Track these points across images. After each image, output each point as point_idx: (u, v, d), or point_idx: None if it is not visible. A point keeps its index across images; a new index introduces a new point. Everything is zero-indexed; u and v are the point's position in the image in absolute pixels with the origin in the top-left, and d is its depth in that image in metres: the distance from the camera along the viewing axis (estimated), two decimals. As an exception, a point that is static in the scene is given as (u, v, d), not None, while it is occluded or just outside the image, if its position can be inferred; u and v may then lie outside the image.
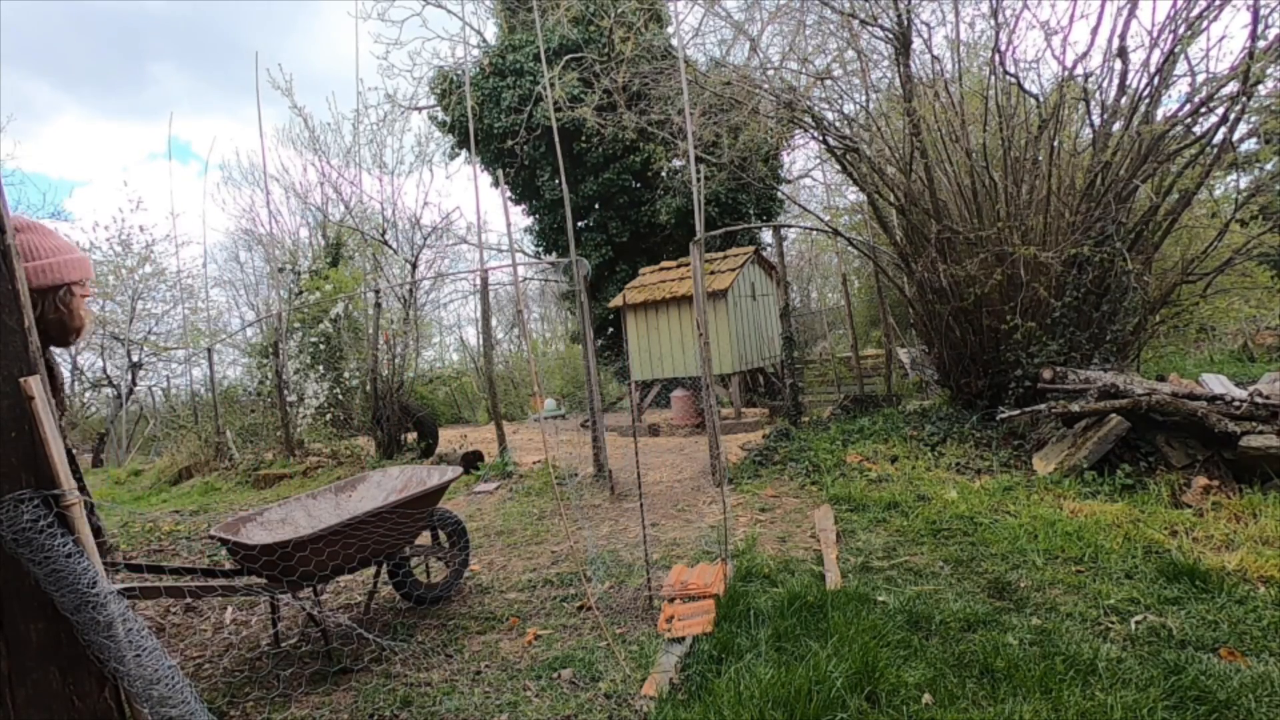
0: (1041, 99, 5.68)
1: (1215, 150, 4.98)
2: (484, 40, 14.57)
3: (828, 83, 6.89)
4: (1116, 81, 5.41)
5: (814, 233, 15.72)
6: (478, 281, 8.60)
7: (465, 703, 2.30)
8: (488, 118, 12.87)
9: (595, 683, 2.37)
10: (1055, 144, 5.57)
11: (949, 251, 5.91)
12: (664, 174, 12.71)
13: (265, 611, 3.49)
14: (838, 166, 7.60)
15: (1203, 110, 5.08)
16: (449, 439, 9.90)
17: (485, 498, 5.79)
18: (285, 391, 8.97)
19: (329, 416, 8.91)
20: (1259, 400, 4.13)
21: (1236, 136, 5.04)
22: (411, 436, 8.72)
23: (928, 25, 6.16)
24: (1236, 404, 4.16)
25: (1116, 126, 5.35)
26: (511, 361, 16.40)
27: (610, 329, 14.01)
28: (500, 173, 12.43)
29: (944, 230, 5.85)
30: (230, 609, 3.54)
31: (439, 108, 13.70)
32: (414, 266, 9.95)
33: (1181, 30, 4.93)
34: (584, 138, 11.86)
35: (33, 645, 1.59)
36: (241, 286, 18.71)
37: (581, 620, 2.94)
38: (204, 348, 11.38)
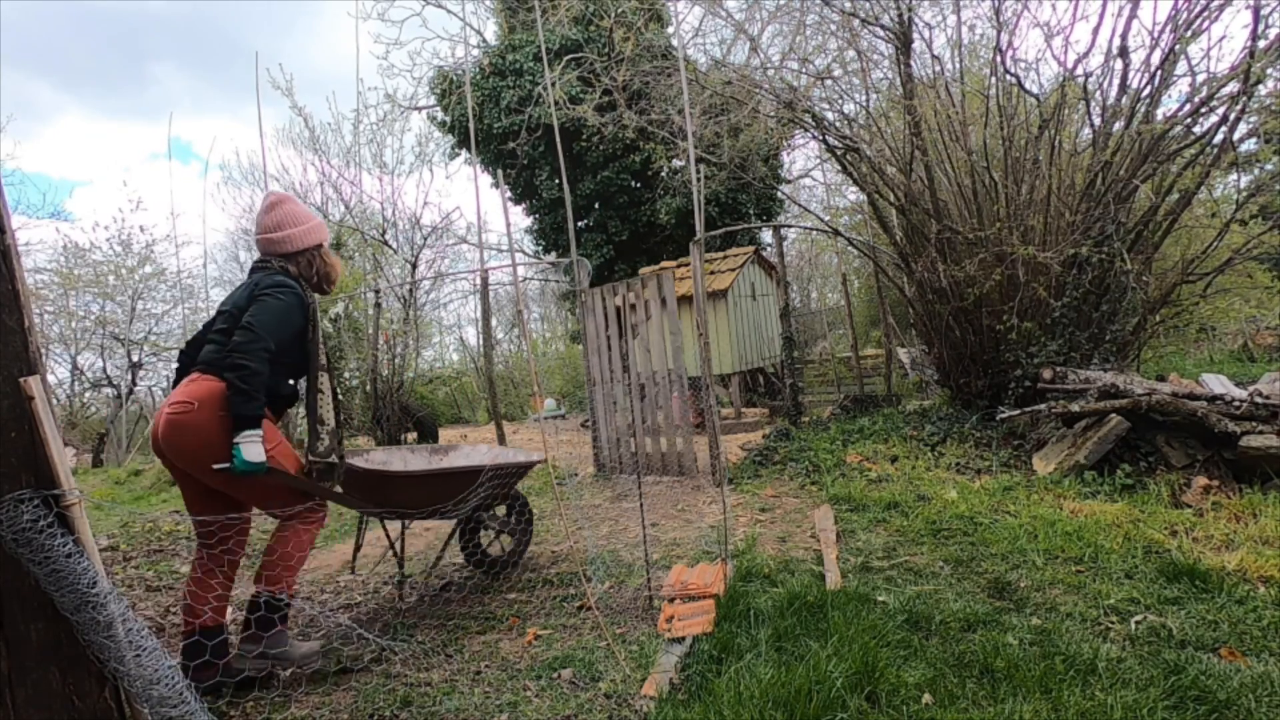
0: (1042, 99, 5.69)
1: (1215, 150, 4.97)
2: (484, 40, 14.57)
3: (828, 83, 6.89)
4: (1117, 81, 5.41)
5: (814, 233, 15.73)
6: (478, 281, 8.61)
7: (465, 703, 2.30)
8: (488, 118, 12.87)
9: (595, 683, 2.37)
10: (1055, 144, 5.57)
11: (949, 251, 5.91)
12: (664, 174, 12.71)
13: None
14: (838, 166, 7.60)
15: (1203, 110, 5.08)
16: (449, 439, 9.90)
17: (485, 498, 5.78)
18: (285, 391, 8.96)
19: (329, 416, 8.90)
20: (1259, 400, 4.13)
21: (1236, 136, 5.04)
22: (411, 437, 8.73)
23: (928, 25, 6.18)
24: (1236, 404, 4.16)
25: (1117, 126, 5.35)
26: (511, 361, 16.40)
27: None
28: (500, 173, 12.42)
29: (944, 230, 5.85)
30: (230, 609, 3.54)
31: (439, 108, 13.70)
32: (414, 266, 9.95)
33: (1182, 30, 4.93)
34: (584, 137, 11.86)
35: (33, 645, 1.59)
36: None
37: (581, 620, 2.94)
38: (204, 348, 11.36)
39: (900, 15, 5.83)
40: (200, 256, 29.66)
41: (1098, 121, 5.47)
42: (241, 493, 2.49)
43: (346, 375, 8.96)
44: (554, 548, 4.10)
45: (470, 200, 48.75)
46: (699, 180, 6.07)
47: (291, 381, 2.75)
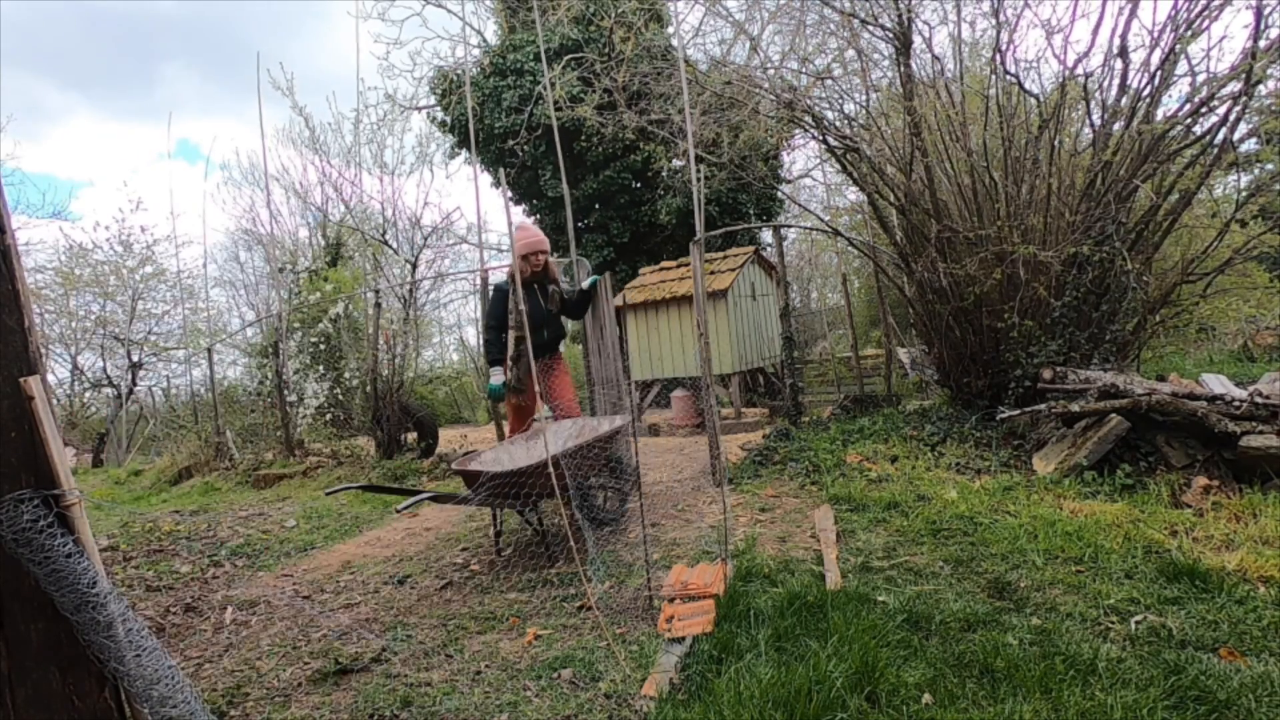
0: (1042, 99, 5.68)
1: (1215, 150, 4.97)
2: (484, 40, 14.57)
3: (828, 82, 6.89)
4: (1117, 81, 5.40)
5: (814, 233, 15.73)
6: (478, 281, 8.60)
7: (465, 703, 2.30)
8: (488, 117, 12.87)
9: (595, 683, 2.37)
10: (1055, 144, 5.56)
11: (949, 251, 5.91)
12: (664, 174, 12.71)
13: (264, 612, 3.49)
14: (838, 166, 7.59)
15: (1203, 110, 5.07)
16: (449, 439, 9.90)
17: (485, 498, 5.78)
18: (285, 391, 8.97)
19: (329, 416, 8.91)
20: (1259, 400, 4.13)
21: (1237, 136, 5.03)
22: (412, 436, 8.72)
23: (928, 25, 6.17)
24: (1236, 404, 4.15)
25: (1117, 126, 5.35)
26: (511, 361, 16.36)
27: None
28: (501, 172, 12.42)
29: (944, 230, 5.85)
30: (230, 609, 3.55)
31: (439, 107, 13.70)
32: (414, 266, 9.95)
33: (1182, 30, 4.93)
34: (584, 137, 11.86)
35: (33, 645, 1.59)
36: (241, 286, 18.69)
37: (581, 620, 2.94)
38: (204, 348, 11.38)
39: (900, 15, 5.83)
40: (200, 256, 29.66)
41: (1098, 121, 5.46)
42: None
43: (346, 375, 8.96)
44: (554, 547, 4.10)
45: (470, 200, 48.74)
46: (699, 180, 6.07)
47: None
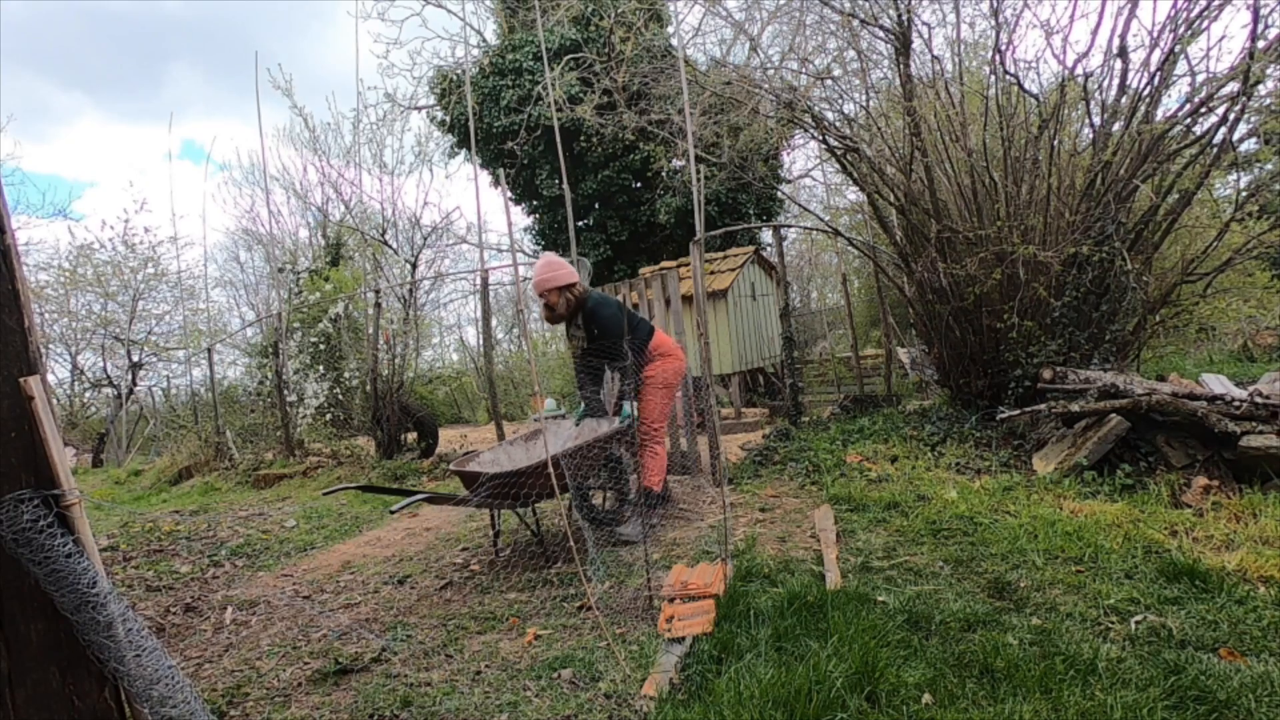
0: (1041, 99, 5.68)
1: (1215, 150, 4.97)
2: (483, 40, 14.57)
3: (828, 83, 6.89)
4: (1116, 81, 5.40)
5: (814, 233, 15.73)
6: (478, 281, 8.60)
7: (465, 703, 2.30)
8: (487, 117, 12.87)
9: (595, 683, 2.37)
10: (1055, 144, 5.56)
11: (949, 251, 5.91)
12: (664, 174, 12.72)
13: (264, 612, 3.49)
14: (838, 166, 7.60)
15: (1203, 110, 5.07)
16: (449, 439, 9.90)
17: (485, 498, 5.78)
18: (285, 391, 8.97)
19: (329, 416, 8.91)
20: (1259, 400, 4.13)
21: (1236, 136, 5.03)
22: (412, 436, 8.72)
23: (928, 25, 6.16)
24: (1236, 404, 4.15)
25: (1116, 126, 5.35)
26: (511, 361, 16.40)
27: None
28: (500, 172, 12.43)
29: (944, 230, 5.85)
30: (230, 609, 3.55)
31: (439, 107, 13.70)
32: (414, 266, 9.95)
33: (1181, 30, 4.93)
34: (584, 137, 11.87)
35: (33, 645, 1.59)
36: (241, 286, 18.71)
37: (581, 620, 2.94)
38: (204, 348, 11.38)
39: (900, 15, 5.83)
40: (201, 257, 29.65)
41: (1097, 121, 5.46)
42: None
43: (346, 375, 8.96)
44: (554, 547, 4.10)
45: (470, 200, 48.75)
46: (699, 180, 6.07)
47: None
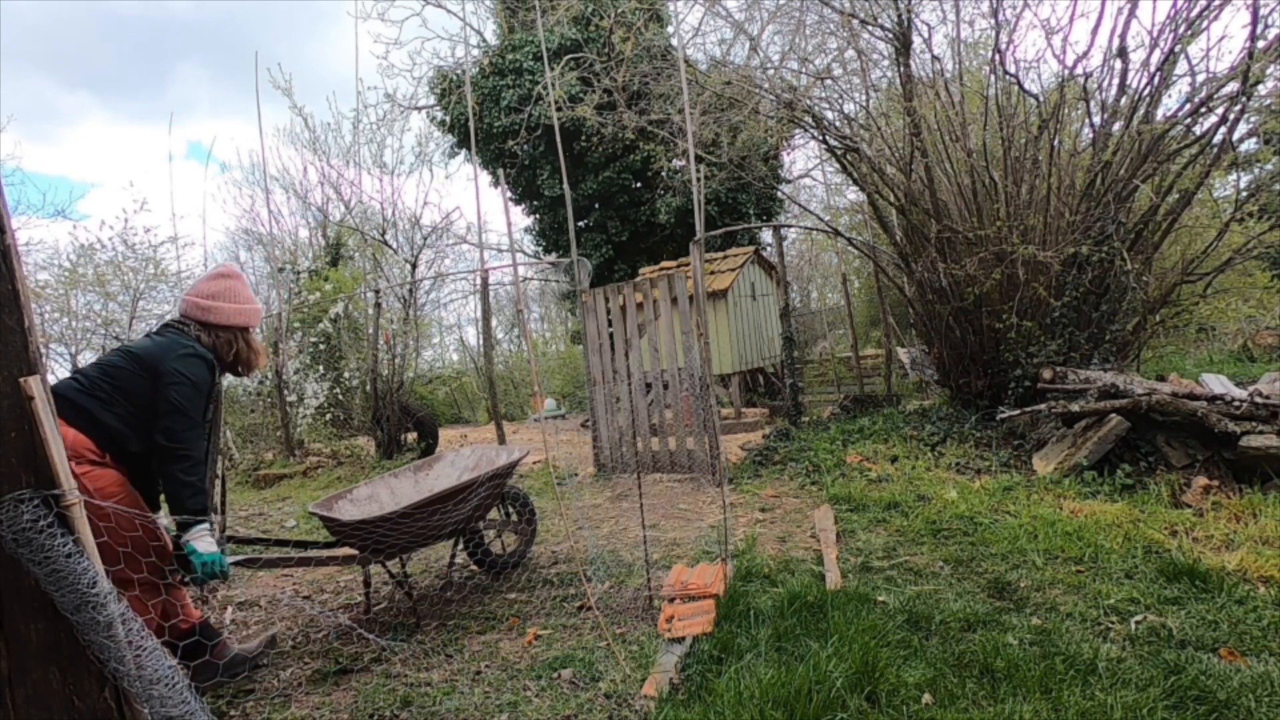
0: (1041, 99, 5.68)
1: (1215, 150, 4.97)
2: (483, 40, 14.57)
3: (828, 82, 6.89)
4: (1116, 81, 5.41)
5: (814, 233, 15.73)
6: (478, 281, 8.60)
7: (465, 703, 2.30)
8: (487, 117, 12.87)
9: (595, 683, 2.37)
10: (1055, 144, 5.56)
11: (949, 251, 5.91)
12: (664, 173, 12.72)
13: (264, 613, 3.49)
14: (838, 166, 7.60)
15: (1203, 110, 5.07)
16: (449, 439, 9.90)
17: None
18: (285, 391, 8.97)
19: (329, 416, 8.91)
20: (1259, 400, 4.13)
21: (1236, 136, 5.03)
22: (411, 436, 8.72)
23: (928, 25, 6.17)
24: (1236, 404, 4.16)
25: (1116, 126, 5.35)
26: (511, 361, 16.40)
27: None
28: (500, 172, 12.42)
29: (944, 230, 5.85)
30: (230, 609, 3.54)
31: (439, 107, 13.70)
32: (414, 266, 9.95)
33: (1181, 30, 4.93)
34: (584, 137, 11.87)
35: (33, 645, 1.59)
36: (241, 286, 18.66)
37: (581, 620, 2.94)
38: (204, 348, 11.35)
39: (900, 15, 5.83)
40: (201, 257, 29.64)
41: (1098, 121, 5.46)
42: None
43: (346, 375, 8.96)
44: (554, 548, 4.10)
45: (470, 200, 48.75)
46: (699, 180, 6.07)
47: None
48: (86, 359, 15.85)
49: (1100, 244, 5.17)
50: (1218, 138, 4.94)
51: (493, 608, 3.19)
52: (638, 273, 11.18)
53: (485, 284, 7.27)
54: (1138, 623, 2.48)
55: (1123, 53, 5.28)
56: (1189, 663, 2.15)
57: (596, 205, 13.65)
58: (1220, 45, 10.86)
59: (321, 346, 9.02)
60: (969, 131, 5.94)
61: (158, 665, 1.65)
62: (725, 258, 9.92)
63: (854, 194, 10.60)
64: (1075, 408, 4.54)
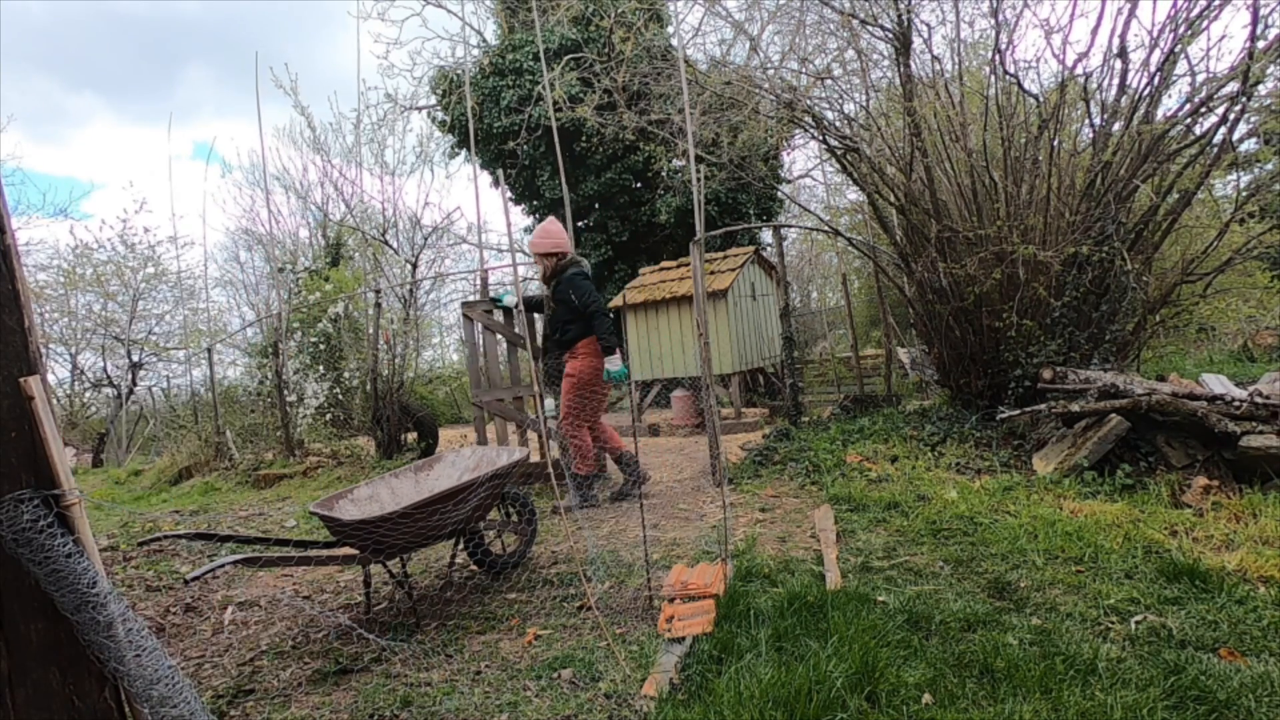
0: (1041, 99, 5.68)
1: (1215, 150, 4.97)
2: (483, 40, 14.57)
3: (828, 82, 6.89)
4: (1116, 81, 5.40)
5: (814, 233, 15.74)
6: (478, 281, 8.60)
7: (465, 703, 2.30)
8: (488, 117, 12.87)
9: (595, 683, 2.37)
10: (1055, 144, 5.56)
11: (949, 251, 5.91)
12: (664, 174, 12.72)
13: (264, 613, 3.49)
14: (838, 166, 7.60)
15: (1203, 110, 5.07)
16: (449, 439, 9.90)
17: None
18: (285, 391, 8.97)
19: (329, 416, 8.91)
20: (1259, 400, 4.13)
21: (1236, 136, 5.03)
22: (411, 436, 8.72)
23: (928, 25, 6.16)
24: (1236, 404, 4.16)
25: (1116, 126, 5.35)
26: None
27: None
28: (500, 172, 12.42)
29: (944, 230, 5.85)
30: (230, 609, 3.54)
31: (439, 107, 13.70)
32: (414, 266, 9.95)
33: (1181, 30, 4.93)
34: (584, 138, 11.87)
35: (33, 645, 1.59)
36: (241, 286, 18.69)
37: (581, 620, 2.94)
38: (204, 348, 11.38)
39: (900, 15, 5.83)
40: (201, 257, 29.64)
41: (1098, 121, 5.46)
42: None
43: (346, 375, 8.96)
44: (554, 548, 4.10)
45: (470, 200, 48.77)
46: (699, 180, 6.06)
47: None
48: (87, 359, 15.88)
49: (1100, 244, 5.17)
50: (1218, 138, 4.94)
51: (493, 608, 3.19)
52: (638, 273, 11.17)
53: (485, 284, 7.26)
54: (1138, 623, 2.48)
55: (1123, 53, 5.27)
56: (1189, 663, 2.15)
57: (597, 205, 13.65)
58: (1220, 45, 10.84)
59: (321, 346, 9.02)
60: (969, 131, 5.93)
61: (158, 665, 1.65)
62: (725, 258, 9.92)
63: (854, 194, 10.60)
64: (1075, 408, 4.54)
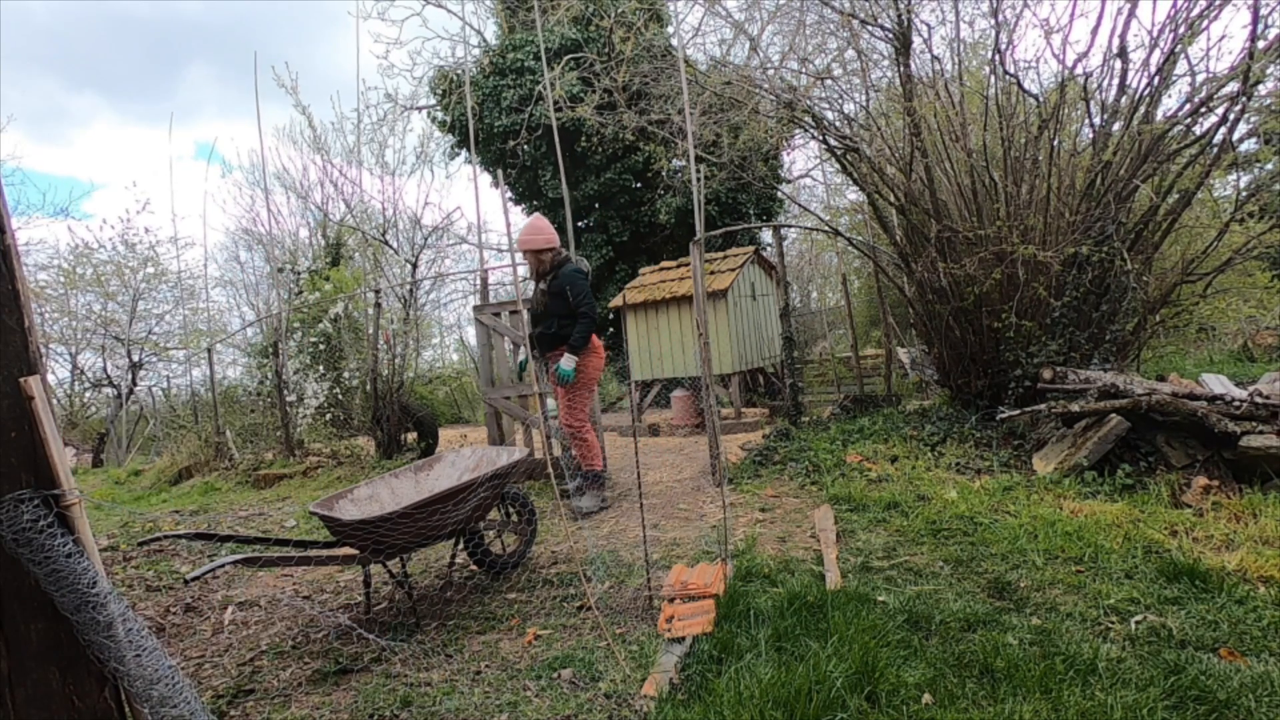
0: (1041, 99, 5.68)
1: (1215, 150, 4.97)
2: (484, 40, 14.57)
3: (828, 82, 6.89)
4: (1116, 81, 5.40)
5: (814, 233, 15.73)
6: (478, 281, 8.60)
7: (465, 703, 2.30)
8: (488, 117, 12.87)
9: (595, 682, 2.37)
10: (1055, 144, 5.56)
11: (949, 251, 5.91)
12: (664, 174, 12.73)
13: (264, 613, 3.49)
14: (838, 166, 7.60)
15: (1203, 110, 5.07)
16: (449, 439, 9.90)
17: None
18: (285, 391, 8.97)
19: (329, 416, 8.91)
20: (1259, 400, 4.13)
21: (1236, 136, 5.03)
22: (411, 436, 8.71)
23: (928, 25, 6.17)
24: (1236, 404, 4.16)
25: (1116, 126, 5.35)
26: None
27: (610, 329, 14.03)
28: (500, 173, 12.43)
29: (944, 230, 5.85)
30: (230, 609, 3.54)
31: (439, 107, 13.70)
32: (414, 266, 9.95)
33: (1181, 30, 4.93)
34: (585, 138, 11.87)
35: (33, 645, 1.59)
36: (242, 286, 18.69)
37: (581, 620, 2.94)
38: (204, 348, 11.38)
39: (900, 15, 5.83)
40: (201, 257, 29.65)
41: (1098, 121, 5.46)
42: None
43: (346, 375, 8.96)
44: (554, 548, 4.10)
45: (470, 200, 48.78)
46: (699, 180, 6.07)
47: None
48: (87, 359, 15.88)
49: (1100, 244, 5.17)
50: (1218, 138, 4.94)
51: (493, 608, 3.19)
52: (638, 273, 11.18)
53: (485, 284, 7.26)
54: (1138, 623, 2.48)
55: (1123, 53, 5.27)
56: (1189, 663, 2.15)
57: (597, 205, 13.66)
58: (1220, 45, 10.86)
59: (321, 346, 9.01)
60: (969, 131, 5.93)
61: (158, 665, 1.65)
62: (725, 258, 9.92)
63: (854, 194, 10.60)
64: (1075, 408, 4.54)
